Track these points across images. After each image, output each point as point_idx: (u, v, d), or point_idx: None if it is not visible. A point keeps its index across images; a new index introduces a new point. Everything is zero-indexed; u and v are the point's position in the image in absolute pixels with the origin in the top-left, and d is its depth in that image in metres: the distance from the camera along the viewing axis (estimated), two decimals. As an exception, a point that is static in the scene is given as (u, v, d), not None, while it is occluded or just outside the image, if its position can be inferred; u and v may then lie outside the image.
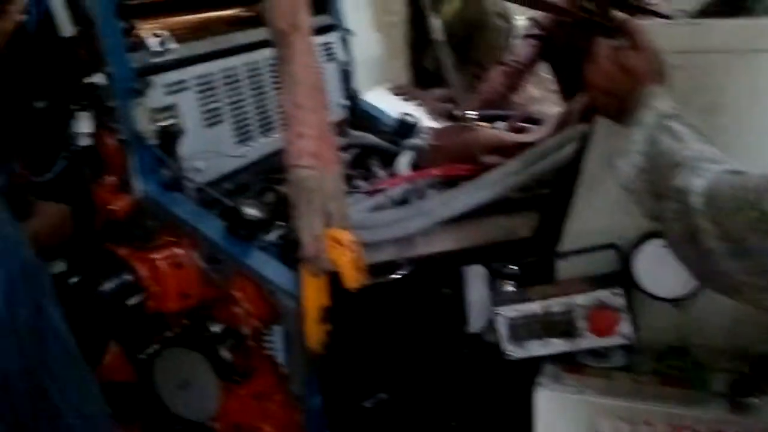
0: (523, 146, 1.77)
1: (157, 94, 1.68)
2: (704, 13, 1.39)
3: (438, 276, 2.10)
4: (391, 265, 1.64)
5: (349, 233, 1.45)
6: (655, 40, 1.20)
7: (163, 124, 1.67)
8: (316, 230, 1.44)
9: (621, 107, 1.17)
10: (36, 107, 1.57)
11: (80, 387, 1.09)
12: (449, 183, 1.82)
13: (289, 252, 1.68)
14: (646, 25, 1.23)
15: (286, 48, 1.40)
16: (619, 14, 1.28)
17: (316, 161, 1.42)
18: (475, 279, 1.70)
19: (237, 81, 1.94)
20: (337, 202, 1.46)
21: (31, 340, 1.00)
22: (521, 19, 3.27)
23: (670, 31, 1.25)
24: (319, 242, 1.44)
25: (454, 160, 1.87)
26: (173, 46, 1.73)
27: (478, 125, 2.16)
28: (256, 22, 1.97)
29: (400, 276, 1.63)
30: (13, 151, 1.63)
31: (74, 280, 1.62)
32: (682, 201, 0.99)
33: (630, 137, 1.08)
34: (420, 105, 2.75)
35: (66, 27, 1.54)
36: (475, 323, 1.75)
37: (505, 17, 3.27)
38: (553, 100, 3.16)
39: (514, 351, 1.35)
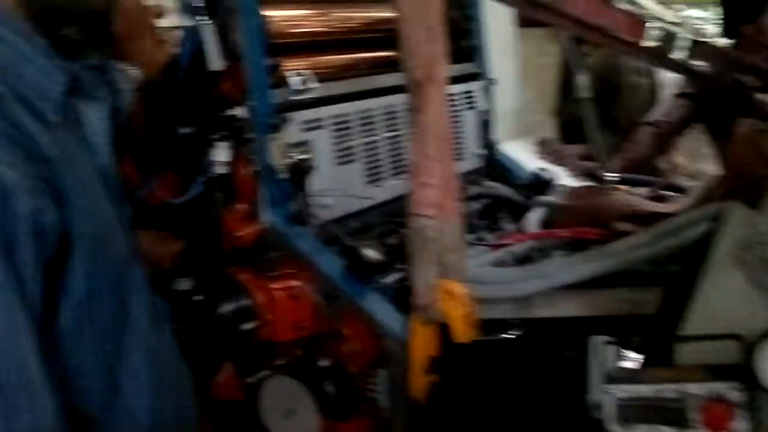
0: (658, 217, 1.69)
1: (293, 130, 1.74)
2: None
3: (556, 342, 2.04)
4: (504, 324, 1.60)
5: (463, 286, 1.43)
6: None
7: (296, 159, 1.72)
8: (430, 280, 1.42)
9: (754, 193, 1.10)
10: (181, 133, 1.66)
11: (158, 388, 1.10)
12: (577, 245, 1.76)
13: (404, 297, 1.68)
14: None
15: (420, 97, 1.41)
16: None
17: (437, 212, 1.41)
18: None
19: (372, 123, 1.97)
20: (455, 255, 1.45)
21: (110, 337, 1.02)
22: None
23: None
24: (432, 292, 1.43)
25: (586, 223, 1.82)
26: (314, 85, 1.78)
27: (617, 189, 2.09)
28: (397, 65, 2.01)
29: (512, 336, 1.59)
30: (155, 170, 1.73)
31: (198, 298, 1.70)
32: None
33: (757, 227, 1.02)
34: (559, 161, 2.70)
35: (215, 61, 1.63)
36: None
37: (647, 73, 3.13)
38: (702, 166, 3.01)
39: (620, 433, 1.28)
